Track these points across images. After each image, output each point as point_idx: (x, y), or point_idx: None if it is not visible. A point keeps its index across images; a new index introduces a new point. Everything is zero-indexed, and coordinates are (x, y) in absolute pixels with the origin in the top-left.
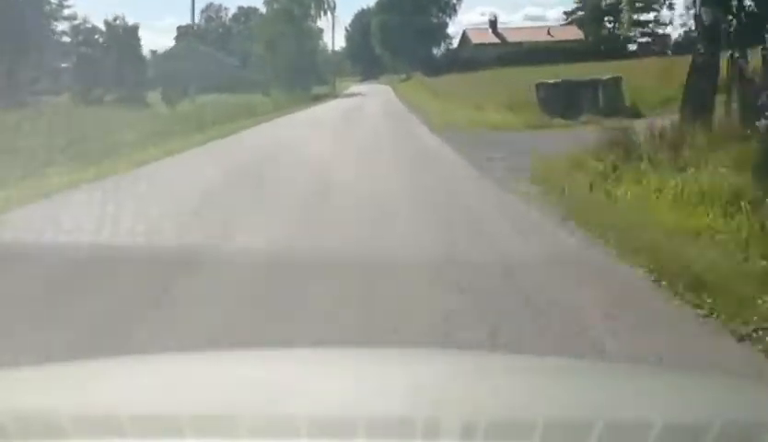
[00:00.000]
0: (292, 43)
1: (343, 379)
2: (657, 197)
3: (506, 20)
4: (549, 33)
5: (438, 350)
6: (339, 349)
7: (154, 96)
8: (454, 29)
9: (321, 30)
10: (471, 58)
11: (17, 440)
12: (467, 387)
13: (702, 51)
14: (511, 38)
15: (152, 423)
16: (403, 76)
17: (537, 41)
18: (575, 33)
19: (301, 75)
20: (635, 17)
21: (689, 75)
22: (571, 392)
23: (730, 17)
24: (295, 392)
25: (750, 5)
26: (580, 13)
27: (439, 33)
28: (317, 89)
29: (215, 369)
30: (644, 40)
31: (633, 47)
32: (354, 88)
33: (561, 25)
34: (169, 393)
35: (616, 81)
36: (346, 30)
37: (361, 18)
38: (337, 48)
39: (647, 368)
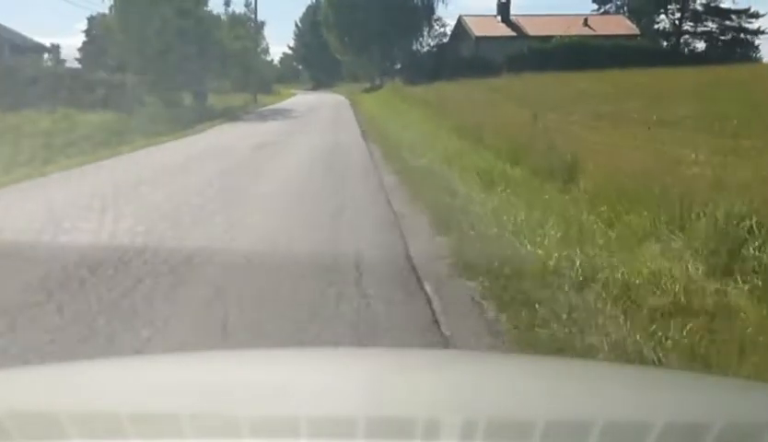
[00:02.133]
0: (172, 24)
1: (342, 379)
2: None
3: None
4: (587, 24)
5: (438, 351)
6: (339, 349)
7: None
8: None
9: (259, 23)
10: (473, 57)
11: (17, 440)
12: (467, 387)
13: None
14: (532, 29)
15: (152, 423)
16: (367, 86)
17: (571, 36)
18: (625, 26)
19: (195, 76)
20: (715, 3)
21: None
22: (571, 392)
23: None
24: (295, 392)
25: None
26: (617, 1)
27: (423, 20)
28: (225, 100)
29: (215, 369)
30: (728, 37)
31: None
32: (295, 100)
33: (600, 14)
34: (169, 393)
35: None
36: (296, 26)
37: (314, 13)
38: (286, 49)
39: (647, 369)
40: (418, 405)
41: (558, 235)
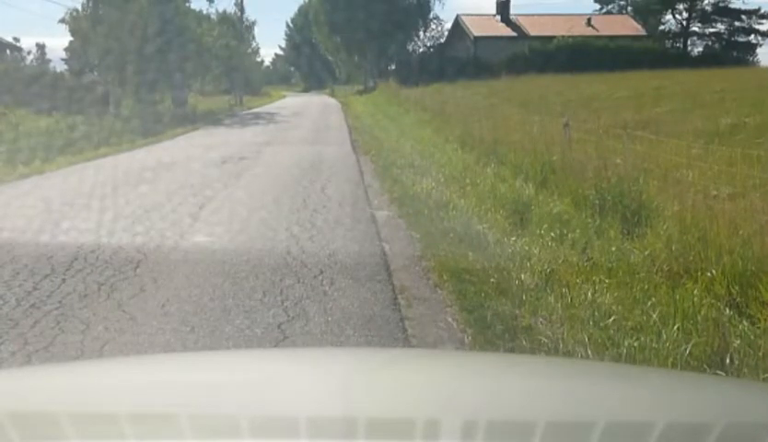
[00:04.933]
0: (148, 19)
1: (342, 379)
2: None
3: None
4: (590, 24)
5: (439, 351)
6: (339, 349)
7: None
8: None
9: (250, 23)
10: (471, 58)
11: (17, 440)
12: (467, 387)
13: None
14: (532, 29)
15: (152, 423)
16: (360, 87)
17: (574, 36)
18: (630, 26)
19: (176, 76)
20: (724, 3)
21: None
22: (571, 392)
23: None
24: (295, 392)
25: None
26: (621, 1)
27: (419, 19)
28: (209, 102)
29: (214, 369)
30: (737, 39)
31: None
32: (283, 103)
33: (603, 14)
34: (169, 393)
35: None
36: (287, 27)
37: (306, 13)
38: (278, 50)
39: (648, 369)
40: (418, 405)
41: None
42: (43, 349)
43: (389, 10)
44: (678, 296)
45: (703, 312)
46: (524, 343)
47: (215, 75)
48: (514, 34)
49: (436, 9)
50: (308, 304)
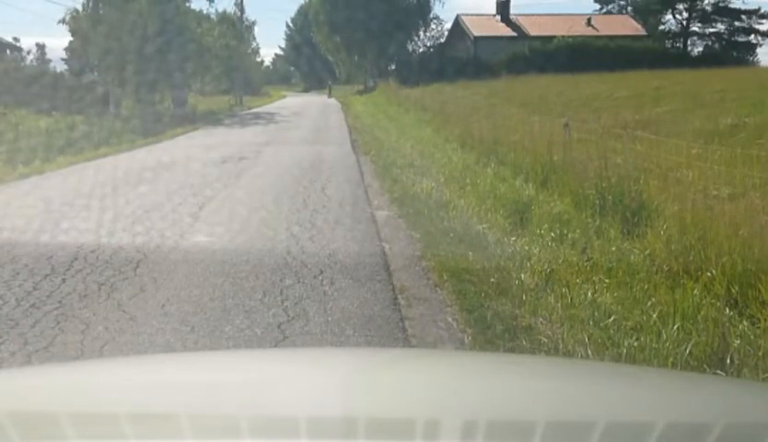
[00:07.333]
0: (148, 19)
1: (342, 379)
2: None
3: None
4: (590, 24)
5: (439, 351)
6: (339, 349)
7: None
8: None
9: (250, 23)
10: (471, 58)
11: (17, 440)
12: (467, 387)
13: None
14: (532, 29)
15: (152, 423)
16: (360, 87)
17: (574, 36)
18: (630, 26)
19: (176, 76)
20: (724, 3)
21: None
22: (571, 392)
23: None
24: (295, 392)
25: None
26: (621, 1)
27: (419, 18)
28: (209, 102)
29: (215, 369)
30: (737, 38)
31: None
32: (283, 103)
33: (603, 14)
34: (169, 393)
35: None
36: (287, 27)
37: (306, 13)
38: (278, 50)
39: (647, 369)
40: (418, 405)
41: None
42: (43, 349)
43: (389, 10)
44: (678, 296)
45: (703, 312)
46: (524, 343)
47: (215, 75)
48: (514, 34)
49: (436, 9)
50: (308, 304)
